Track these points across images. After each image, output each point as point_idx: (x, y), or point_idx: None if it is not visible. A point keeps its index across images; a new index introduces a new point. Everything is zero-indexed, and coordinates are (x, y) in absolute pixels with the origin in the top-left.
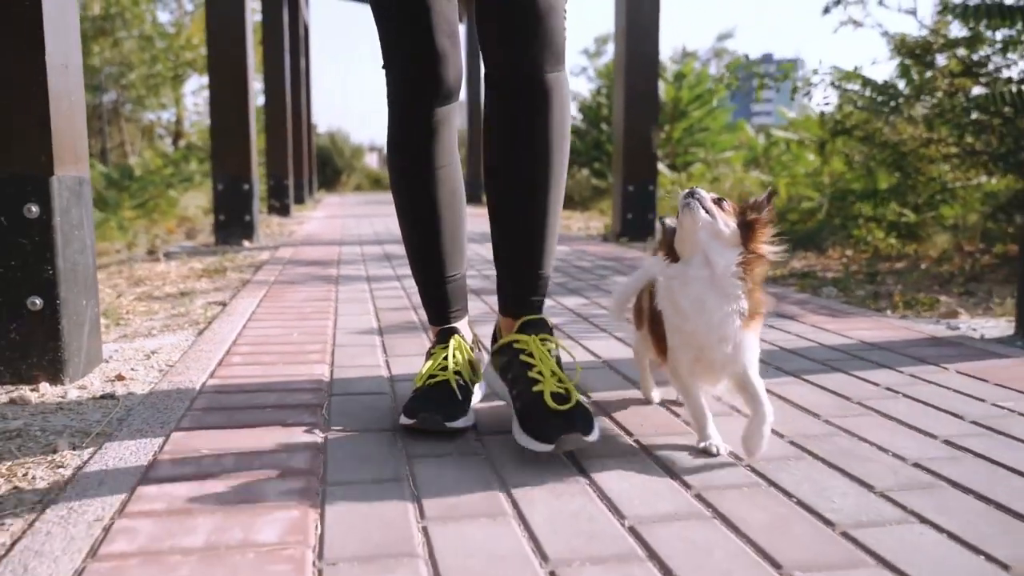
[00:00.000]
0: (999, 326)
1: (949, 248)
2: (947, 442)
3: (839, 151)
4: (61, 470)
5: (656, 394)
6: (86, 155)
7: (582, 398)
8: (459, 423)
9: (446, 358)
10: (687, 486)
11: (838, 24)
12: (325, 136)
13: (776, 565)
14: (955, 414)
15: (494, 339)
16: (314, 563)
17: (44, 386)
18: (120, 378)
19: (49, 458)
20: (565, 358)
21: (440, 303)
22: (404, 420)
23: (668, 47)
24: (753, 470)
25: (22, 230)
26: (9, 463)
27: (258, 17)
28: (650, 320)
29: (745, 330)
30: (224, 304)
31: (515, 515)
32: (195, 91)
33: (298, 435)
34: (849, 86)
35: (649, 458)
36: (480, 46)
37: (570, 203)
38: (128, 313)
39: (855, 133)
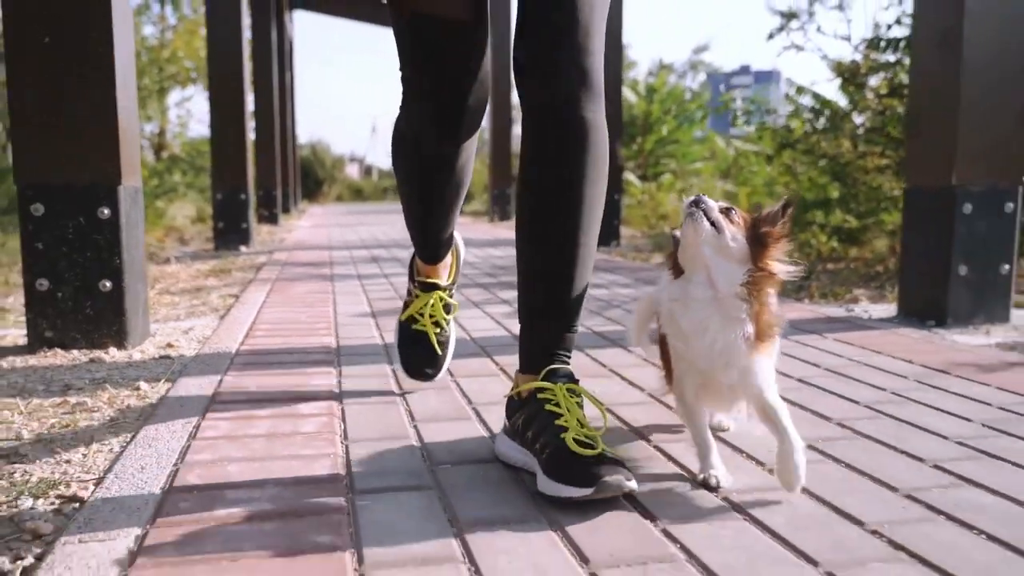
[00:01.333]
0: (888, 309)
1: (884, 250)
2: (800, 380)
3: (784, 163)
4: (148, 399)
5: (725, 420)
6: (140, 169)
7: (607, 450)
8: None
9: (422, 311)
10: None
11: (781, 48)
12: (306, 147)
13: None
14: (813, 363)
15: (509, 403)
16: (342, 440)
17: (112, 351)
18: (170, 346)
19: (136, 393)
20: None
21: (433, 251)
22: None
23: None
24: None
25: (96, 228)
26: (107, 395)
27: (247, 34)
28: (660, 342)
29: (755, 354)
30: (236, 296)
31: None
32: (178, 103)
33: (319, 378)
34: (802, 100)
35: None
36: (516, 78)
37: None
38: (154, 304)
39: (798, 147)
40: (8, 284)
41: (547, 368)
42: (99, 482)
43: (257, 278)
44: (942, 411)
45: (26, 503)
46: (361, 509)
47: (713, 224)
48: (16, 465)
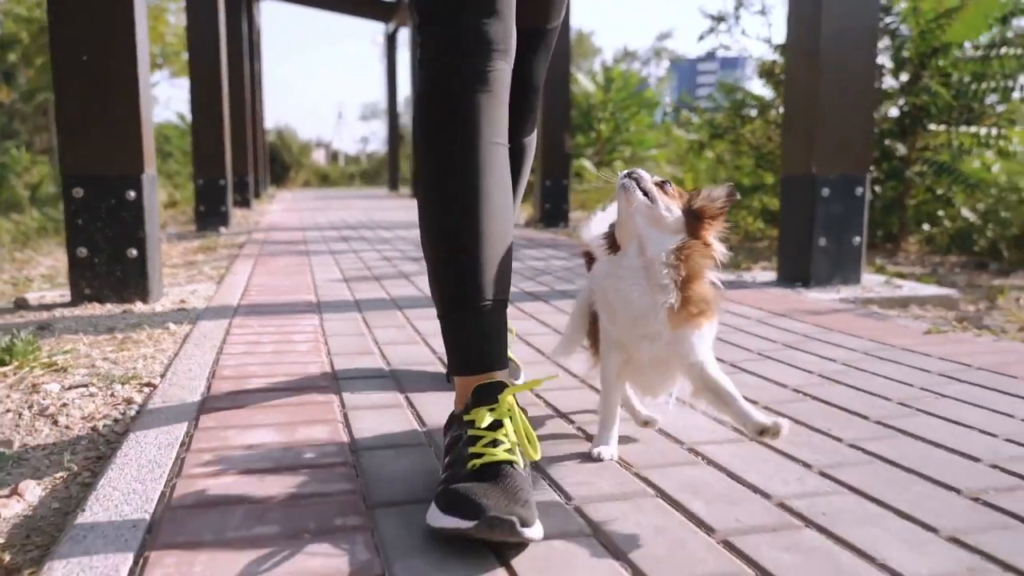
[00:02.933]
0: (771, 276)
1: None
2: None
3: (716, 152)
4: (177, 336)
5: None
6: (155, 159)
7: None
8: (534, 531)
9: (499, 426)
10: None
11: (710, 48)
12: (272, 133)
13: None
14: None
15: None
16: (327, 355)
17: (139, 304)
18: (183, 302)
19: (167, 331)
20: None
21: (477, 342)
22: (450, 522)
23: (611, 47)
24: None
25: (125, 207)
26: (145, 333)
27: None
28: (592, 321)
29: (680, 328)
30: (226, 268)
31: None
32: None
33: (305, 321)
34: (730, 97)
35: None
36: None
37: None
38: None
39: (726, 136)
40: (28, 260)
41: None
42: (163, 375)
43: (241, 254)
44: (763, 337)
45: (117, 387)
46: (343, 386)
47: (646, 194)
48: (100, 371)
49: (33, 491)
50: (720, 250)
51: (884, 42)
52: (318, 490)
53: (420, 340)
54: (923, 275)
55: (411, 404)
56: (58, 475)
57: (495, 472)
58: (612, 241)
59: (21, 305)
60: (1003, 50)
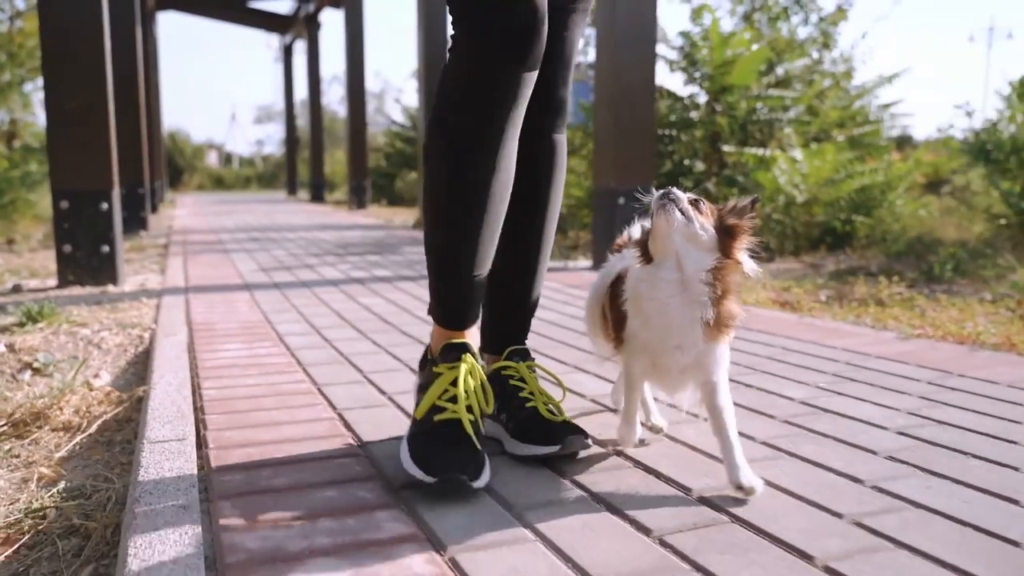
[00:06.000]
0: (590, 263)
1: None
2: None
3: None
4: (150, 305)
5: (658, 419)
6: (117, 178)
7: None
8: (482, 480)
9: (455, 384)
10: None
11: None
12: (165, 135)
13: None
14: None
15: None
16: (262, 312)
17: (111, 287)
18: (143, 285)
19: (143, 303)
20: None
21: (464, 302)
22: (419, 474)
23: None
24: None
25: (100, 215)
26: (128, 304)
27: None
28: (614, 314)
29: (711, 341)
30: (162, 263)
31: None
32: (30, 91)
33: (240, 295)
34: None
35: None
36: None
37: (401, 200)
38: None
39: (579, 153)
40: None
41: (509, 349)
42: (156, 322)
43: (169, 253)
44: (576, 306)
45: (129, 330)
46: (277, 326)
47: (683, 213)
48: (111, 323)
49: (104, 376)
50: (751, 267)
51: (690, 84)
52: (262, 357)
53: (325, 307)
54: None
55: (318, 332)
56: (114, 369)
57: (452, 429)
58: (645, 250)
59: (17, 289)
60: (769, 91)
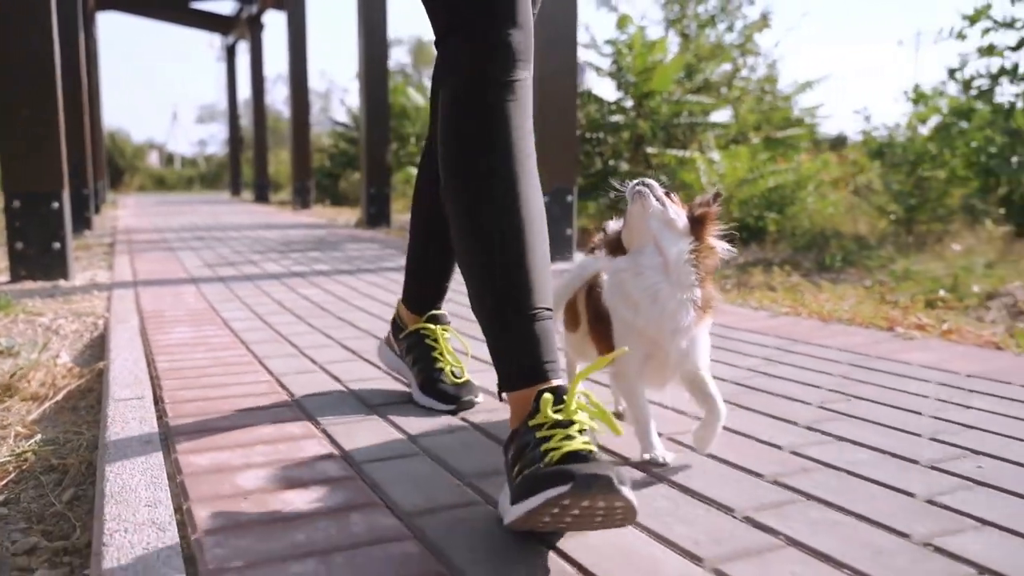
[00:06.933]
0: None
1: None
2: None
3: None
4: (101, 297)
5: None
6: (67, 180)
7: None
8: (630, 490)
9: (570, 424)
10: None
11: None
12: (104, 135)
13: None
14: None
15: (395, 325)
16: (207, 302)
17: (62, 281)
18: (93, 280)
19: (94, 296)
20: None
21: (534, 349)
22: (545, 496)
23: None
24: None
25: (51, 214)
26: (80, 297)
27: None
28: (593, 319)
29: (700, 324)
30: (109, 260)
31: None
32: None
33: (187, 287)
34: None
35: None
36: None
37: (345, 200)
38: None
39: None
40: None
41: (429, 313)
42: (108, 311)
43: (116, 251)
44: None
45: (84, 317)
46: (223, 314)
47: (657, 200)
48: (65, 312)
49: (64, 356)
50: (724, 248)
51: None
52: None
53: (267, 297)
54: None
55: (260, 318)
56: (73, 351)
57: (575, 458)
58: (614, 248)
59: None
60: (688, 97)
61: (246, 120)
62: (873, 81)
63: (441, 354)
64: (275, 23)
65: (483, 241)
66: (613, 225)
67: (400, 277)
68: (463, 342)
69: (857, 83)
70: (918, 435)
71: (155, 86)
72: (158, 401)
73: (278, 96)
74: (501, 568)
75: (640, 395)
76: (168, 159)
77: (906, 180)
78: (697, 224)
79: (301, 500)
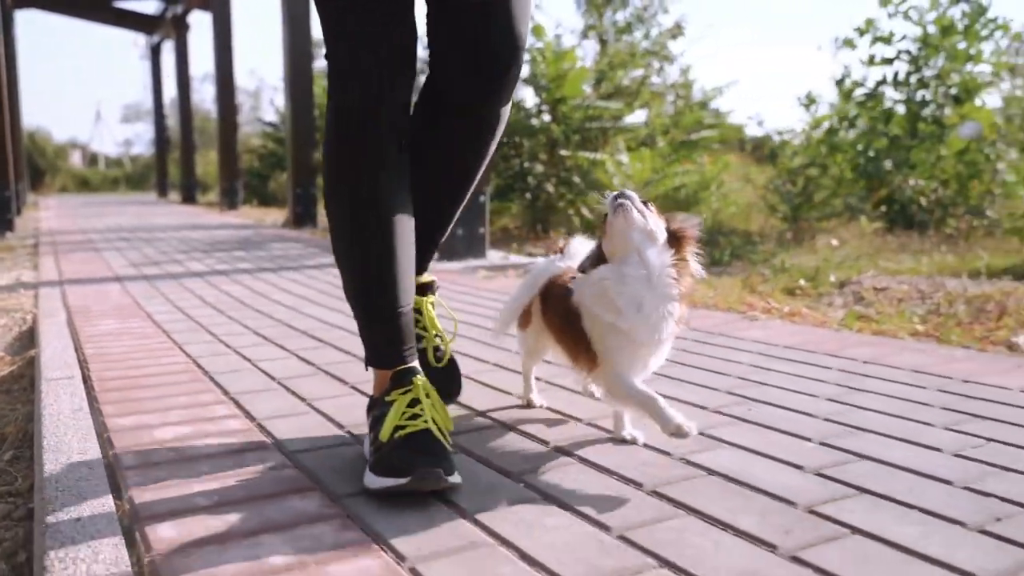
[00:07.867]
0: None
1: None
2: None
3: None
4: (28, 296)
5: (538, 397)
6: (13, 176)
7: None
8: (456, 477)
9: (416, 403)
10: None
11: None
12: (24, 136)
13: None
14: None
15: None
16: (133, 299)
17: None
18: (19, 279)
19: (21, 295)
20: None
21: (393, 338)
22: (386, 482)
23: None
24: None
25: (2, 203)
26: (6, 295)
27: None
28: (562, 320)
29: (672, 338)
30: (34, 261)
31: None
32: None
33: (113, 285)
34: None
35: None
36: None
37: (274, 201)
38: None
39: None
40: None
41: (417, 280)
42: (36, 307)
43: (40, 252)
44: None
45: (12, 314)
46: (146, 309)
47: (639, 212)
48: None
49: None
50: (697, 269)
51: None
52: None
53: (190, 293)
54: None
55: (182, 311)
56: (2, 344)
57: (417, 439)
58: (600, 258)
59: None
60: (598, 102)
61: (173, 120)
62: (798, 83)
63: (424, 328)
64: (202, 23)
65: (356, 260)
66: (580, 239)
67: (320, 275)
68: (450, 312)
69: (784, 85)
70: (716, 390)
71: (77, 84)
72: (86, 380)
73: (207, 95)
74: (356, 482)
75: (637, 384)
76: (92, 159)
77: (796, 181)
78: (675, 240)
79: (207, 445)
